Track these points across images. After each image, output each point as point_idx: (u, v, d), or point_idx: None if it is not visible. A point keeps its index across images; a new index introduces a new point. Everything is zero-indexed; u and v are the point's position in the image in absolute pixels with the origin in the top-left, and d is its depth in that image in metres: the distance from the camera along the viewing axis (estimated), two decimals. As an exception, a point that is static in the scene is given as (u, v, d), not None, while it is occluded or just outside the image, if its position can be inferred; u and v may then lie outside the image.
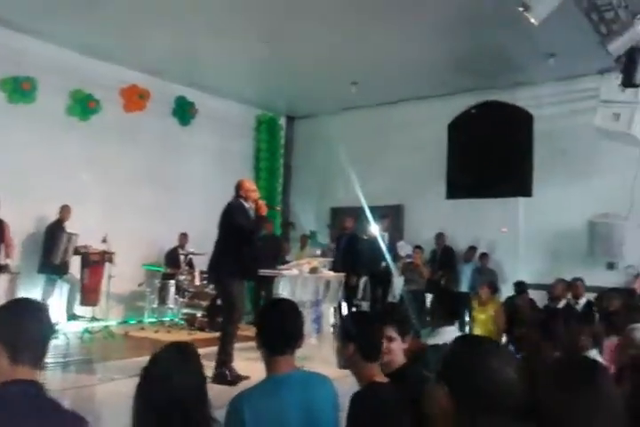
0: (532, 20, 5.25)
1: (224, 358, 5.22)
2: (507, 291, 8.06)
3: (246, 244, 5.28)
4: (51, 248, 7.12)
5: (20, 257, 7.12)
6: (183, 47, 8.07)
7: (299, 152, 11.90)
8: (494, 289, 7.26)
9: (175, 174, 9.60)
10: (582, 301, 6.34)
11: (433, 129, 9.93)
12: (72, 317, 7.48)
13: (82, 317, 7.43)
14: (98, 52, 8.26)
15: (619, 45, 5.72)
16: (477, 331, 6.21)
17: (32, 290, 7.04)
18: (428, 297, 7.63)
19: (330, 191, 10.86)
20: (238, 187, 5.44)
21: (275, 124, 11.60)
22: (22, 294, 6.50)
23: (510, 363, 1.41)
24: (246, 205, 5.36)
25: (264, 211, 5.28)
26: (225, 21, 7.17)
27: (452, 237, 9.35)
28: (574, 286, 6.61)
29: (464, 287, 8.48)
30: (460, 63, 8.40)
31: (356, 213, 9.35)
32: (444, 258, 9.10)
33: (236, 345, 5.41)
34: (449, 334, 3.41)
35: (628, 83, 6.00)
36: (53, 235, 7.21)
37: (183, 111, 9.96)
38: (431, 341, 3.15)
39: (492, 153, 9.29)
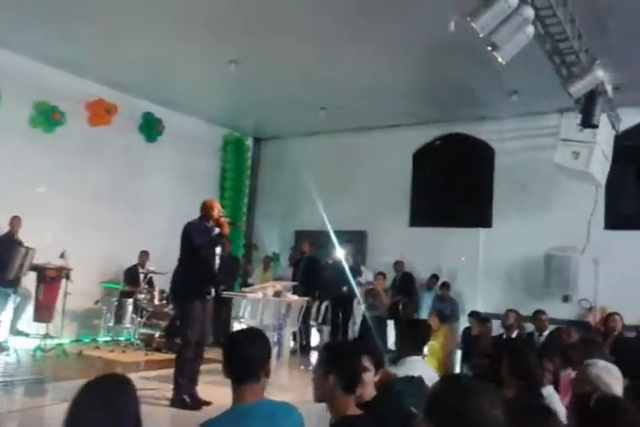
0: (500, 60, 5.45)
1: (181, 383, 5.12)
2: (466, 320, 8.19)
3: (204, 263, 5.26)
4: (5, 262, 6.85)
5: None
6: (152, 63, 8.04)
7: (265, 174, 11.93)
8: (442, 317, 7.49)
9: (139, 191, 9.45)
10: (545, 333, 6.49)
11: (399, 158, 10.13)
12: (17, 332, 7.20)
13: (25, 333, 7.16)
14: (65, 63, 8.14)
15: (579, 88, 6.03)
16: (428, 358, 6.28)
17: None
18: (390, 324, 7.69)
19: (295, 214, 10.89)
20: (202, 206, 5.46)
21: (242, 144, 11.62)
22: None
23: (497, 403, 1.44)
24: (208, 224, 5.33)
25: (226, 229, 5.27)
26: (195, 40, 7.19)
27: (413, 265, 9.47)
28: (537, 319, 6.78)
29: (424, 315, 8.57)
30: (427, 94, 8.66)
31: (320, 236, 9.41)
32: (403, 284, 9.18)
33: (202, 367, 5.31)
34: (416, 363, 3.46)
35: (587, 123, 6.32)
36: (9, 248, 6.94)
37: (150, 128, 9.87)
38: (400, 371, 3.17)
39: (454, 184, 9.57)
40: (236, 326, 8.72)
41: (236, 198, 11.37)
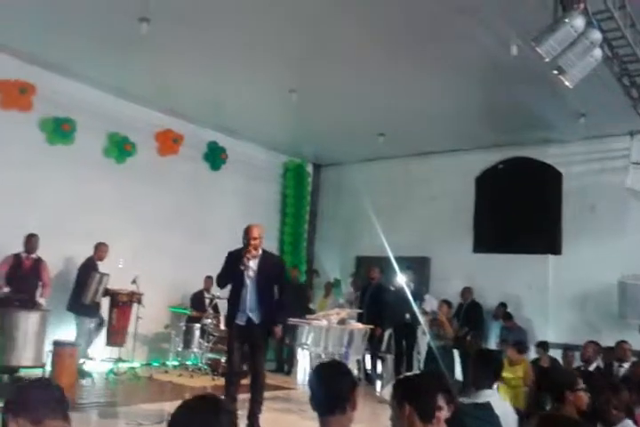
0: (567, 83, 5.36)
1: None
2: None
3: (232, 291, 5.26)
4: (82, 288, 7.16)
5: (51, 294, 7.15)
6: (216, 94, 8.31)
7: (325, 199, 12.03)
8: (521, 349, 7.13)
9: (204, 218, 9.71)
10: (626, 365, 6.16)
11: (460, 182, 10.01)
12: (86, 357, 7.41)
13: (91, 359, 7.33)
14: (135, 96, 8.54)
15: (650, 110, 5.84)
16: (506, 392, 6.04)
17: (61, 327, 7.06)
18: (456, 353, 7.49)
19: (355, 240, 10.88)
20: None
21: (302, 170, 11.79)
22: (51, 331, 6.52)
23: None
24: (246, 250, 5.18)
25: (247, 255, 5.10)
26: (256, 71, 7.39)
27: (478, 292, 9.22)
28: (620, 348, 6.43)
29: (491, 345, 8.31)
30: (489, 118, 8.57)
31: (381, 263, 9.33)
32: (471, 313, 8.93)
33: (266, 394, 5.33)
34: (490, 397, 3.36)
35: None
36: (86, 274, 7.24)
37: (214, 156, 10.17)
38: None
39: (520, 208, 9.29)
40: (300, 353, 8.77)
41: (297, 224, 11.50)
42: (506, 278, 9.04)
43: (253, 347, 5.12)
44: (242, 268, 5.10)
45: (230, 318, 5.28)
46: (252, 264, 5.16)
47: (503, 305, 8.95)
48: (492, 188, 9.84)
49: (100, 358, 7.45)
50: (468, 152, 9.97)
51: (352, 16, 5.94)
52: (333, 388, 2.13)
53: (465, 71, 7.04)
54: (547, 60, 4.86)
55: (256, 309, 5.10)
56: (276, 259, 5.38)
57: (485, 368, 3.52)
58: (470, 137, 9.49)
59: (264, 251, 5.32)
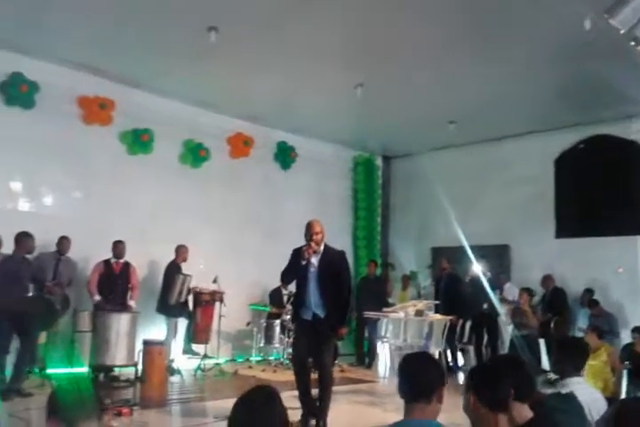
0: (646, 54, 5.02)
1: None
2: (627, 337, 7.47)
3: (297, 288, 5.26)
4: (167, 289, 7.51)
5: (140, 296, 7.55)
6: (282, 94, 8.44)
7: (396, 192, 11.93)
8: (600, 334, 6.81)
9: (277, 216, 9.90)
10: None
11: (537, 165, 9.63)
12: (192, 352, 7.74)
13: (197, 353, 7.71)
14: (206, 103, 8.84)
15: None
16: (591, 379, 5.77)
17: (151, 328, 7.46)
18: (542, 342, 7.23)
19: (430, 231, 10.73)
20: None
21: (371, 164, 11.75)
22: (142, 332, 6.89)
23: None
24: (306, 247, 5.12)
25: (308, 251, 5.02)
26: (321, 66, 7.44)
27: (563, 279, 8.84)
28: None
29: (579, 332, 7.94)
30: (564, 96, 8.17)
31: (458, 253, 9.15)
32: (554, 301, 8.59)
33: (343, 388, 5.35)
34: (577, 385, 3.23)
35: None
36: (170, 276, 7.58)
37: (284, 156, 10.33)
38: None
39: (604, 189, 8.83)
40: (380, 346, 8.77)
41: (370, 218, 11.48)
42: (592, 263, 8.62)
43: (319, 342, 5.07)
44: (303, 263, 5.07)
45: (296, 314, 5.33)
46: (314, 260, 5.13)
47: (589, 291, 8.54)
48: (573, 169, 9.40)
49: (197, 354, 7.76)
50: (545, 134, 9.56)
51: (415, 5, 5.86)
52: (420, 379, 2.21)
53: (536, 50, 6.77)
54: (622, 31, 4.59)
55: (320, 304, 5.07)
56: (338, 254, 5.31)
57: (569, 356, 3.39)
58: (546, 118, 9.11)
59: (326, 246, 5.24)
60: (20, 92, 7.23)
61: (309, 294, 5.12)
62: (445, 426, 2.21)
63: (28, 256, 6.20)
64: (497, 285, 8.64)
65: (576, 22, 5.52)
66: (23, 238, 6.02)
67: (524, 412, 2.44)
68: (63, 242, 6.99)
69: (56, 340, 6.67)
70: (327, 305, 5.08)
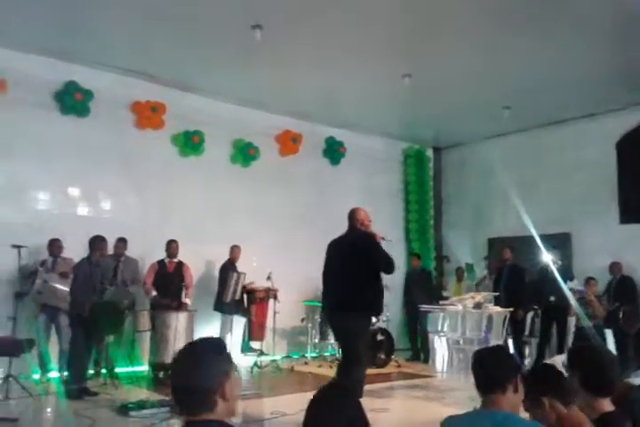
0: None
1: None
2: None
3: (379, 279, 4.78)
4: (222, 287, 7.62)
5: (196, 295, 7.71)
6: (328, 89, 8.39)
7: (449, 183, 11.67)
8: None
9: (327, 212, 9.77)
10: None
11: (598, 149, 9.19)
12: (250, 349, 7.87)
13: (255, 350, 7.80)
14: (254, 102, 8.90)
15: None
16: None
17: (208, 326, 7.58)
18: (608, 333, 6.90)
19: (485, 221, 10.44)
20: (354, 216, 4.89)
21: (422, 155, 11.53)
22: (200, 329, 7.02)
23: None
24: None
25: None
26: (368, 60, 7.35)
27: (630, 266, 8.40)
28: None
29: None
30: (625, 76, 7.77)
31: (516, 242, 8.84)
32: (621, 289, 8.17)
33: (400, 383, 5.26)
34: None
35: None
36: (225, 275, 7.69)
37: (333, 151, 10.28)
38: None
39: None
40: (436, 341, 8.60)
41: (422, 211, 11.27)
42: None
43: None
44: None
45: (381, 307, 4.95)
46: None
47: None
48: (636, 151, 8.90)
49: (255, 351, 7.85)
50: (604, 115, 9.13)
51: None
52: (492, 371, 2.23)
53: (591, 30, 6.46)
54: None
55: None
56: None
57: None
58: (605, 99, 8.67)
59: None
60: (74, 100, 7.47)
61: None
62: (523, 418, 2.19)
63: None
64: (569, 275, 8.22)
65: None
66: (98, 242, 6.20)
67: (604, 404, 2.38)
68: (120, 244, 7.21)
69: (120, 340, 6.85)
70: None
